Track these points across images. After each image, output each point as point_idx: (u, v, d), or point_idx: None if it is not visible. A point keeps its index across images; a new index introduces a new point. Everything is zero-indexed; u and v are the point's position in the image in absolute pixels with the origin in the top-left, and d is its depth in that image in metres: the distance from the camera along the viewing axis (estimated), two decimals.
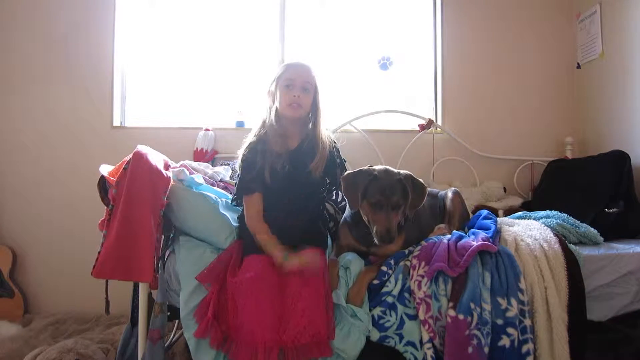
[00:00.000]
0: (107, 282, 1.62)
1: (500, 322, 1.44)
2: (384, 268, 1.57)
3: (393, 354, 1.48)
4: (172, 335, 2.07)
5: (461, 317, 1.41)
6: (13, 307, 2.58)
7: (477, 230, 1.74)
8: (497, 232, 1.73)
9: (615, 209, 2.09)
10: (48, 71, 2.75)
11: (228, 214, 1.70)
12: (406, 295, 1.52)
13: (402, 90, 3.01)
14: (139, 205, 1.54)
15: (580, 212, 2.01)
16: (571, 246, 1.69)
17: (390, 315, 1.50)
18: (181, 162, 1.91)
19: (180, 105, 2.92)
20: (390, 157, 2.71)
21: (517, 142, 2.89)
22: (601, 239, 1.87)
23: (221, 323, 1.47)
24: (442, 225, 1.86)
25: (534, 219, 1.97)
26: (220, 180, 2.00)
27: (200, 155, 2.65)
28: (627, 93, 2.50)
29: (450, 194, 1.93)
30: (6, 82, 2.74)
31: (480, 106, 2.91)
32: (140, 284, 1.65)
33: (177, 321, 2.01)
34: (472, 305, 1.43)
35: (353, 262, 1.59)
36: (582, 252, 1.69)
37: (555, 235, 1.72)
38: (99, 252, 1.55)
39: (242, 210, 1.70)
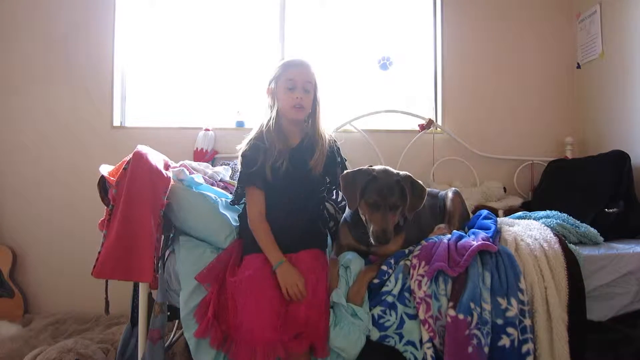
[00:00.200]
0: (107, 282, 1.62)
1: (500, 322, 1.44)
2: (384, 267, 1.57)
3: (393, 353, 1.48)
4: (172, 335, 2.07)
5: (461, 316, 1.41)
6: (13, 307, 2.57)
7: (477, 230, 1.74)
8: (497, 232, 1.73)
9: (615, 209, 2.08)
10: (48, 71, 2.75)
11: (228, 214, 1.70)
12: (406, 294, 1.52)
13: (402, 90, 3.01)
14: (139, 205, 1.54)
15: (580, 212, 2.01)
16: (571, 246, 1.69)
17: (390, 315, 1.50)
18: (181, 162, 1.91)
19: (180, 105, 2.92)
20: (390, 157, 2.71)
21: (517, 142, 2.89)
22: (601, 239, 1.86)
23: (221, 323, 1.47)
24: (442, 225, 1.86)
25: (534, 219, 1.97)
26: (220, 180, 2.00)
27: (200, 155, 2.65)
28: (627, 93, 2.50)
29: (450, 194, 1.93)
30: (6, 82, 2.74)
31: (480, 106, 2.91)
32: (140, 284, 1.65)
33: (177, 321, 2.01)
34: (472, 305, 1.43)
35: (353, 262, 1.59)
36: (582, 252, 1.69)
37: (555, 235, 1.72)
38: (99, 252, 1.55)
39: (243, 209, 1.70)
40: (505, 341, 1.42)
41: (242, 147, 1.67)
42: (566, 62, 2.94)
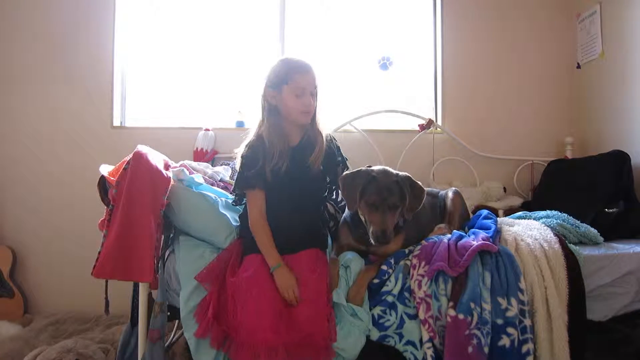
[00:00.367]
0: (106, 282, 1.62)
1: (500, 321, 1.44)
2: (384, 267, 1.57)
3: (393, 353, 1.48)
4: (172, 335, 2.07)
5: (461, 316, 1.41)
6: (13, 307, 2.57)
7: (477, 230, 1.74)
8: (497, 232, 1.73)
9: (615, 209, 2.08)
10: (48, 71, 2.75)
11: (228, 214, 1.70)
12: (406, 294, 1.52)
13: (402, 90, 3.01)
14: (139, 205, 1.54)
15: (580, 212, 2.01)
16: (571, 246, 1.69)
17: (390, 315, 1.50)
18: (181, 162, 1.91)
19: (180, 105, 2.92)
20: (390, 157, 2.71)
21: (517, 142, 2.89)
22: (601, 239, 1.86)
23: (221, 323, 1.47)
24: (442, 225, 1.86)
25: (534, 219, 1.97)
26: (220, 180, 2.00)
27: (200, 155, 2.65)
28: (627, 93, 2.50)
29: (450, 194, 1.93)
30: (6, 82, 2.74)
31: (480, 106, 2.91)
32: (140, 284, 1.65)
33: (177, 321, 2.01)
34: (472, 305, 1.43)
35: (353, 261, 1.59)
36: (582, 252, 1.69)
37: (556, 235, 1.72)
38: (99, 252, 1.55)
39: (243, 209, 1.70)
40: (505, 341, 1.42)
41: (240, 150, 1.67)
42: (566, 62, 2.94)
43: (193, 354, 1.47)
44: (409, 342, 1.47)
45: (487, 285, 1.49)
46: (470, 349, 1.38)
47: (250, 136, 1.69)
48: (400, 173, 1.62)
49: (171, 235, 1.77)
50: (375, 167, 1.64)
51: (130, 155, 1.61)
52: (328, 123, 1.76)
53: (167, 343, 1.98)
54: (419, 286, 1.50)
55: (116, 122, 2.81)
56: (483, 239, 1.59)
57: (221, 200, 1.73)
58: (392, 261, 1.58)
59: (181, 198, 1.65)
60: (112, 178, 1.61)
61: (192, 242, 1.66)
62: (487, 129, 2.89)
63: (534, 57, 2.93)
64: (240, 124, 2.80)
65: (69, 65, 2.75)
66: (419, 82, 3.01)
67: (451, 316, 1.43)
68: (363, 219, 1.60)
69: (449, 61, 2.91)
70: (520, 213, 2.13)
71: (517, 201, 2.65)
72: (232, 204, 1.74)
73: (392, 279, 1.54)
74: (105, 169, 1.67)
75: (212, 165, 2.19)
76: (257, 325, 1.40)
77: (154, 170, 1.61)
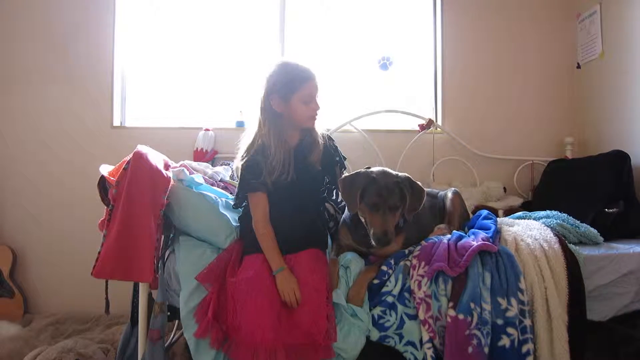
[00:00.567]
0: (107, 282, 1.62)
1: (500, 322, 1.44)
2: (384, 268, 1.57)
3: (393, 353, 1.48)
4: (172, 335, 2.06)
5: (461, 317, 1.41)
6: (13, 307, 2.58)
7: (477, 230, 1.74)
8: (497, 232, 1.73)
9: (615, 209, 2.08)
10: (48, 71, 2.75)
11: (228, 214, 1.70)
12: (406, 295, 1.52)
13: (402, 90, 3.01)
14: (139, 205, 1.54)
15: (580, 212, 2.01)
16: (571, 246, 1.69)
17: (390, 315, 1.50)
18: (181, 162, 1.91)
19: (180, 105, 2.92)
20: (390, 157, 2.71)
21: (517, 142, 2.89)
22: (601, 239, 1.86)
23: (221, 323, 1.47)
24: (442, 226, 1.86)
25: (534, 219, 1.97)
26: (220, 180, 2.00)
27: (200, 155, 2.65)
28: (627, 93, 2.50)
29: (450, 194, 1.93)
30: (6, 82, 2.74)
31: (480, 106, 2.91)
32: (140, 284, 1.65)
33: (177, 321, 2.01)
34: (472, 305, 1.43)
35: (353, 262, 1.59)
36: (582, 252, 1.69)
37: (555, 235, 1.72)
38: (99, 252, 1.55)
39: (244, 210, 1.71)
40: (505, 341, 1.42)
41: (241, 151, 1.67)
42: (566, 62, 2.94)
43: (193, 354, 1.47)
44: (409, 343, 1.47)
45: (487, 285, 1.49)
46: (470, 349, 1.38)
47: (248, 138, 1.69)
48: (400, 174, 1.62)
49: (171, 235, 1.77)
50: (375, 169, 1.63)
51: (130, 155, 1.61)
52: (322, 121, 1.77)
53: (167, 343, 1.98)
54: (419, 286, 1.49)
55: (116, 122, 2.81)
56: (483, 239, 1.59)
57: (221, 200, 1.73)
58: (392, 262, 1.59)
59: (181, 198, 1.65)
60: (112, 178, 1.61)
61: (192, 242, 1.67)
62: (487, 129, 2.89)
63: (534, 57, 2.93)
64: (240, 124, 2.79)
65: (69, 66, 2.75)
66: (419, 82, 3.01)
67: (451, 316, 1.43)
68: (363, 220, 1.60)
69: (449, 61, 2.91)
70: (520, 213, 2.13)
71: (517, 201, 2.65)
72: (233, 207, 1.74)
73: (392, 279, 1.54)
74: (105, 169, 1.67)
75: (212, 166, 2.19)
76: (257, 325, 1.40)
77: (154, 170, 1.61)
